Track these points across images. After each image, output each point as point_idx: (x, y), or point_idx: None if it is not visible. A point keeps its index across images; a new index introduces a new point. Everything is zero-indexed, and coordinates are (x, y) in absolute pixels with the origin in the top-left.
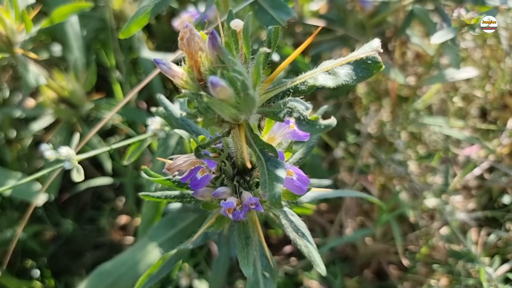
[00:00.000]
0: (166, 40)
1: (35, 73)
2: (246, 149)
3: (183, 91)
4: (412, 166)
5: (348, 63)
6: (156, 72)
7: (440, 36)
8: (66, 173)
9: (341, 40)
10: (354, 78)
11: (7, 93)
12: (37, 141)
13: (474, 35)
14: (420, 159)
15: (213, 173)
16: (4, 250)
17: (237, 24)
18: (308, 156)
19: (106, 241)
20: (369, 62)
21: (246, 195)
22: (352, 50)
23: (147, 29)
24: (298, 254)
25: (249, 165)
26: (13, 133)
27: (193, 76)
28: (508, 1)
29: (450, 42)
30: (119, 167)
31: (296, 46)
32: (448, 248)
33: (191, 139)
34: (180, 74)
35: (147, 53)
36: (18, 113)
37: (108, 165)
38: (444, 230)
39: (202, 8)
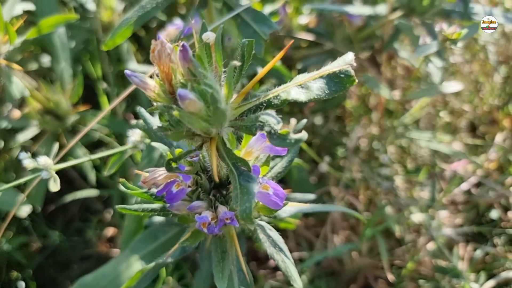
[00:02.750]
0: None
1: (18, 85)
2: (215, 163)
3: (155, 104)
4: (398, 181)
5: (321, 77)
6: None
7: (423, 50)
8: None
9: (329, 54)
10: (326, 92)
11: None
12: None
13: (463, 50)
14: (407, 174)
15: (189, 186)
16: None
17: (209, 36)
18: (287, 170)
19: (93, 253)
20: (342, 76)
21: (222, 209)
22: None
23: (137, 41)
24: None
25: (217, 179)
26: (0, 144)
27: (165, 89)
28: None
29: (435, 56)
30: (107, 179)
31: (284, 59)
32: (434, 263)
33: (168, 153)
34: (152, 86)
35: (134, 65)
36: (4, 124)
37: (91, 176)
38: (431, 246)
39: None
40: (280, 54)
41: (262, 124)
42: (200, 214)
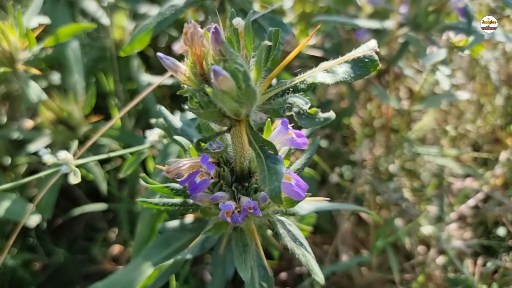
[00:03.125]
0: (163, 72)
1: (36, 89)
2: (246, 142)
3: (185, 86)
4: (407, 194)
5: (346, 61)
6: (151, 88)
7: (431, 58)
8: (60, 201)
9: None
10: (352, 75)
11: (4, 119)
12: (31, 170)
13: (465, 72)
14: (414, 190)
15: (212, 178)
16: None
17: (238, 22)
18: (306, 167)
19: (97, 271)
20: (366, 60)
21: (245, 199)
22: None
23: (145, 61)
24: (293, 282)
25: (247, 151)
26: (8, 160)
27: (196, 71)
28: (496, 35)
29: (441, 65)
30: (114, 196)
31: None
32: (445, 276)
33: (190, 146)
34: (183, 69)
35: (145, 76)
36: (15, 135)
37: (103, 187)
38: (440, 259)
39: None
40: (310, 36)
41: (290, 106)
42: (223, 204)
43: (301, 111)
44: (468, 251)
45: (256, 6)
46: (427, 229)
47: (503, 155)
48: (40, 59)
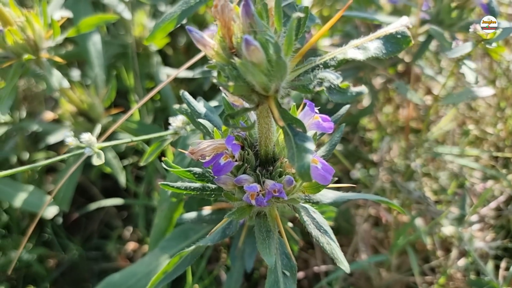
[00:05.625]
0: None
1: (58, 77)
2: (277, 115)
3: (213, 61)
4: (428, 193)
5: (378, 38)
6: (170, 78)
7: (457, 51)
8: (76, 198)
9: (355, 69)
10: (384, 52)
11: (24, 114)
12: (48, 168)
13: (485, 76)
14: (435, 191)
15: (236, 160)
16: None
17: None
18: (330, 154)
19: (111, 268)
20: (399, 36)
21: (270, 182)
22: (367, 76)
23: (164, 59)
24: (309, 282)
25: (273, 130)
26: (25, 155)
27: (225, 45)
28: None
29: (466, 60)
30: (130, 195)
31: None
32: (467, 278)
33: (215, 130)
34: (211, 44)
35: (166, 69)
36: (35, 127)
37: (122, 179)
38: (462, 261)
39: None
40: (340, 13)
41: (321, 81)
42: (248, 185)
43: (332, 85)
44: (491, 253)
45: None
46: (448, 230)
47: None
48: (61, 55)
